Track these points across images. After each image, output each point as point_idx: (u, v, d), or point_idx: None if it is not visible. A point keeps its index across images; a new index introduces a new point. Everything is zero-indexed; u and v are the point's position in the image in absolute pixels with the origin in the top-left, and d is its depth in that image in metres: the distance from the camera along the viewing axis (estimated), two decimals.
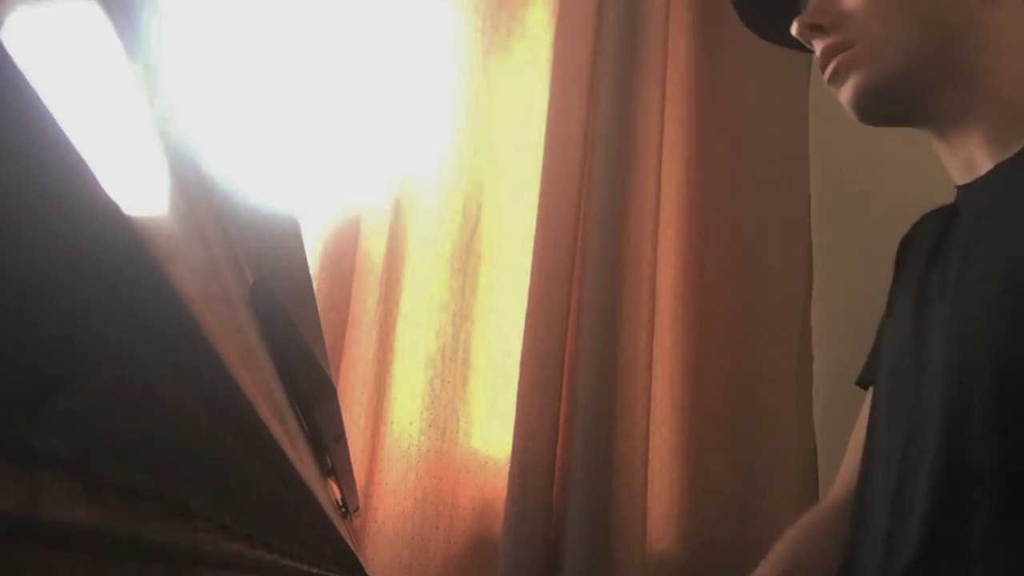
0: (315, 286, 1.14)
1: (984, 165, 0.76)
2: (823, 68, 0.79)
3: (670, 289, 1.37)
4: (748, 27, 0.95)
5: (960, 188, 0.80)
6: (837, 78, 0.78)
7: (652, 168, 1.32)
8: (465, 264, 1.26)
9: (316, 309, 0.60)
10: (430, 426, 1.19)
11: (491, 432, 1.23)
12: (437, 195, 1.26)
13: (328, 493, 0.59)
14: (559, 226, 1.26)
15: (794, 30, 0.81)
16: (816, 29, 0.79)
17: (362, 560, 0.77)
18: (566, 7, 1.36)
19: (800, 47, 0.85)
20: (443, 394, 1.20)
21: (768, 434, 1.35)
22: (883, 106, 0.78)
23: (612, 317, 1.24)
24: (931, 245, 0.81)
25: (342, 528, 0.57)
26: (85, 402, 0.14)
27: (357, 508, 0.99)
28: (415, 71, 1.27)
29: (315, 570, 0.45)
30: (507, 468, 1.19)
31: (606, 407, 1.21)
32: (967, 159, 0.77)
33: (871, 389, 0.91)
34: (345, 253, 1.21)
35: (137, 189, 0.14)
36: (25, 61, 0.10)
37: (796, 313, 1.40)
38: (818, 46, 0.79)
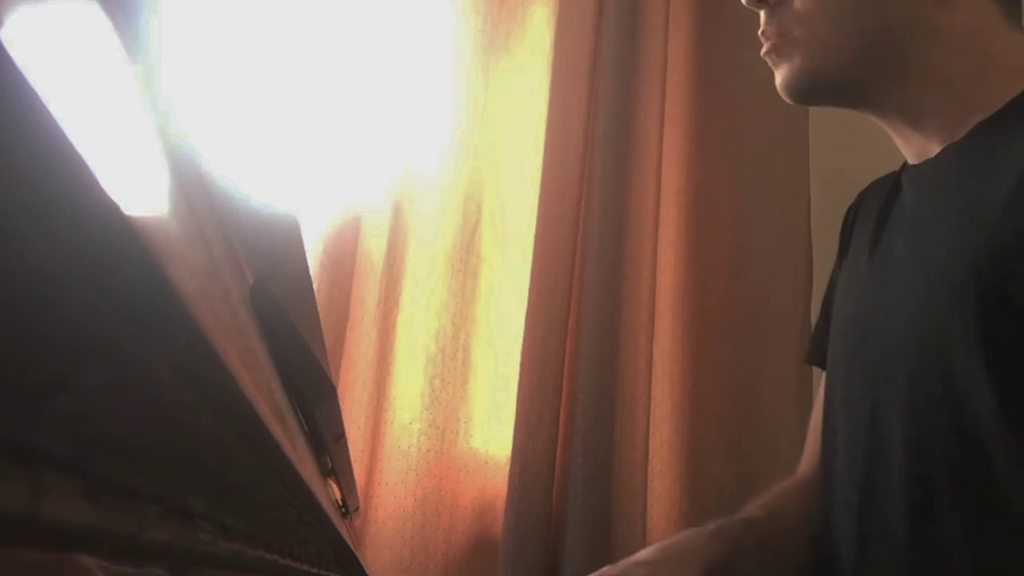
0: (315, 286, 1.14)
1: (936, 150, 0.75)
2: (763, 41, 0.79)
3: (670, 289, 1.37)
4: None
5: (908, 167, 0.80)
6: (771, 58, 0.78)
7: (652, 168, 1.32)
8: (465, 264, 1.26)
9: (316, 309, 0.60)
10: (430, 426, 1.19)
11: (491, 432, 1.23)
12: (437, 195, 1.26)
13: (328, 493, 0.59)
14: (559, 226, 1.26)
15: None
16: (764, 1, 0.78)
17: (362, 560, 0.77)
18: (566, 7, 1.36)
19: None
20: (443, 394, 1.20)
21: (768, 434, 1.35)
22: (814, 95, 0.79)
23: (612, 317, 1.24)
24: (874, 222, 0.81)
25: (342, 528, 0.57)
26: (85, 402, 0.14)
27: (357, 508, 0.99)
28: (415, 71, 1.27)
29: (315, 570, 0.45)
30: (507, 468, 1.19)
31: (606, 407, 1.21)
32: (921, 149, 0.77)
33: (824, 376, 0.92)
34: (345, 253, 1.21)
35: (137, 189, 0.14)
36: (25, 61, 0.10)
37: (796, 313, 1.40)
38: (762, 17, 0.79)
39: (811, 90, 0.77)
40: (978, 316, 0.63)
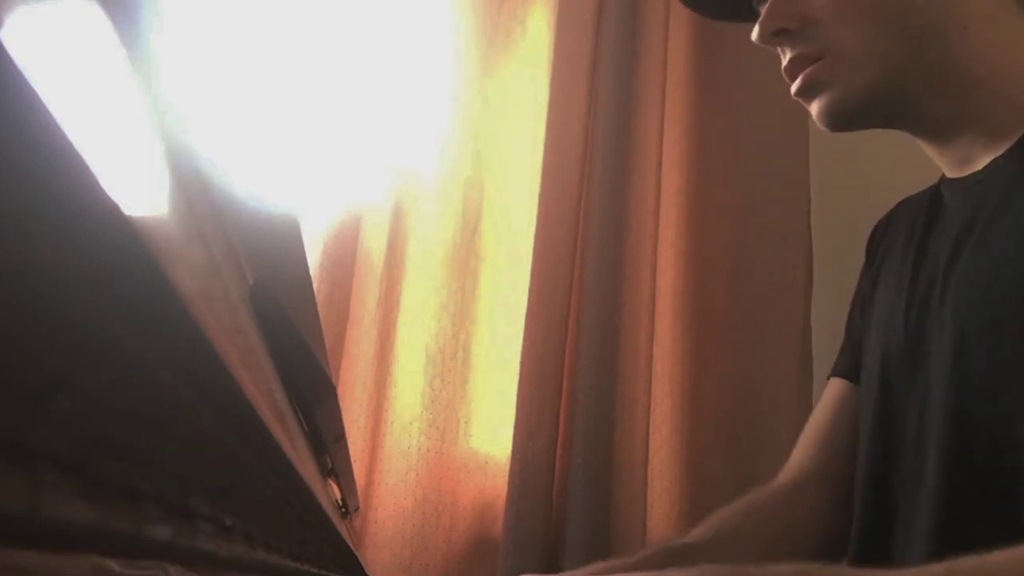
0: (315, 286, 1.14)
1: (980, 159, 0.72)
2: (790, 77, 0.73)
3: (670, 289, 1.37)
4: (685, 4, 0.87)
5: (949, 180, 0.76)
6: (807, 92, 0.72)
7: (652, 168, 1.32)
8: (465, 264, 1.26)
9: (316, 309, 0.60)
10: (430, 426, 1.19)
11: (491, 432, 1.23)
12: (437, 195, 1.26)
13: (328, 493, 0.59)
14: (559, 226, 1.26)
15: (755, 37, 0.73)
16: (781, 33, 0.72)
17: (362, 560, 0.77)
18: (566, 7, 1.36)
19: (738, 18, 0.80)
20: (443, 394, 1.20)
21: (768, 434, 1.35)
22: (858, 119, 0.73)
23: (612, 317, 1.24)
24: (917, 238, 0.78)
25: (342, 528, 0.57)
26: (85, 402, 0.14)
27: (357, 508, 0.99)
28: (415, 71, 1.27)
29: (315, 570, 0.45)
30: (507, 468, 1.19)
31: (606, 407, 1.21)
32: (964, 159, 0.73)
33: (832, 381, 0.89)
34: (345, 253, 1.21)
35: (137, 189, 0.14)
36: (25, 61, 0.10)
37: (796, 313, 1.40)
38: (785, 54, 0.73)
39: (855, 113, 0.71)
40: None
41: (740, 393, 1.36)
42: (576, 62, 1.33)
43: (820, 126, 0.74)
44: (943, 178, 0.78)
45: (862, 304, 0.89)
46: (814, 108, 0.72)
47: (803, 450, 0.89)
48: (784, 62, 0.73)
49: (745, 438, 1.35)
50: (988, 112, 0.70)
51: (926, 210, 0.79)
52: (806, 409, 1.37)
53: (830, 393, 0.89)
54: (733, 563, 0.73)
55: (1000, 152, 0.69)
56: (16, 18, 0.10)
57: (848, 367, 0.87)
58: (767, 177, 1.45)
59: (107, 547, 0.16)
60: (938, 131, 0.73)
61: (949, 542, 0.65)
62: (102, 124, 0.13)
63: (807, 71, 0.71)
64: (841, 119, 0.72)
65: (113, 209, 0.12)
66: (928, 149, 0.77)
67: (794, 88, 0.73)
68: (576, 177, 1.29)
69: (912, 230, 0.80)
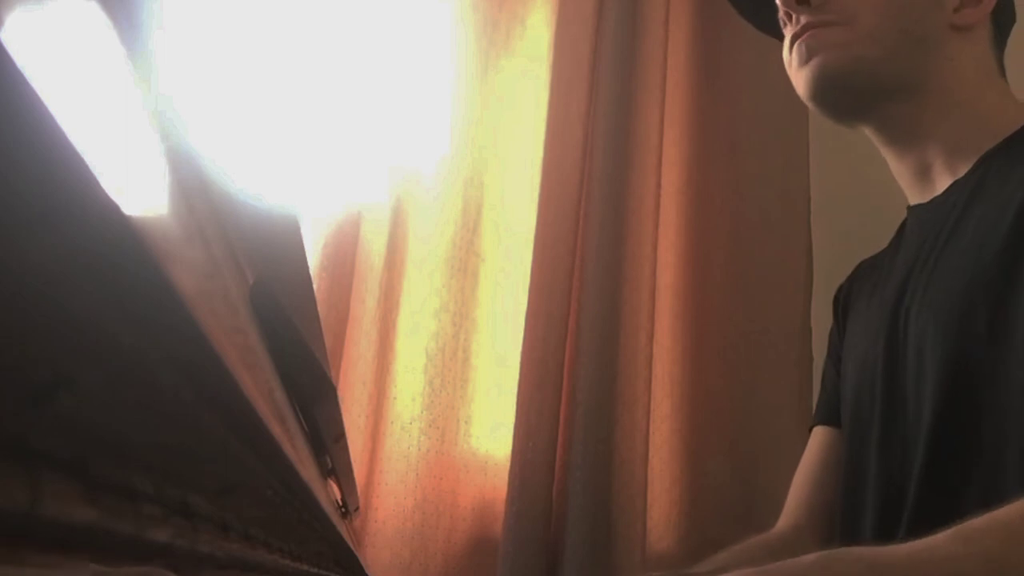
0: (315, 286, 1.14)
1: (940, 178, 0.77)
2: (792, 43, 0.78)
3: (670, 289, 1.37)
4: (745, 18, 0.95)
5: (913, 208, 0.82)
6: (806, 53, 0.77)
7: (652, 168, 1.32)
8: (465, 264, 1.26)
9: (316, 309, 0.60)
10: (430, 426, 1.18)
11: (491, 432, 1.23)
12: (437, 195, 1.26)
13: (328, 493, 0.59)
14: (559, 226, 1.26)
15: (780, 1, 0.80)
16: (805, 1, 0.78)
17: (362, 560, 0.77)
18: (566, 7, 1.36)
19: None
20: (443, 394, 1.20)
21: (768, 434, 1.35)
22: (841, 93, 0.78)
23: (612, 317, 1.24)
24: (884, 272, 0.83)
25: (342, 528, 0.57)
26: (85, 402, 0.14)
27: (357, 508, 0.99)
28: (415, 70, 1.27)
29: (315, 570, 0.45)
30: (507, 468, 1.19)
31: (606, 407, 1.21)
32: (920, 171, 0.79)
33: (816, 430, 0.92)
34: (345, 253, 1.21)
35: (137, 189, 0.14)
36: (25, 61, 0.10)
37: (796, 313, 1.40)
38: (798, 22, 0.78)
39: (841, 82, 0.76)
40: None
41: (740, 393, 1.36)
42: (576, 61, 1.33)
43: (805, 94, 0.78)
44: (908, 208, 0.84)
45: (835, 359, 0.93)
46: (807, 72, 0.77)
47: (796, 498, 0.91)
48: (793, 30, 0.79)
49: (745, 438, 1.35)
50: (949, 135, 0.76)
51: (893, 247, 0.84)
52: (806, 409, 1.37)
53: (816, 441, 0.92)
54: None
55: (959, 173, 0.76)
56: (16, 18, 0.10)
57: (829, 414, 0.90)
58: (767, 177, 1.45)
59: (107, 547, 0.16)
60: (904, 136, 0.79)
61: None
62: (102, 124, 0.13)
63: (819, 30, 0.76)
64: (828, 87, 0.77)
65: (113, 209, 0.12)
66: (889, 156, 0.82)
67: (794, 54, 0.78)
68: (576, 177, 1.29)
69: (880, 274, 0.85)
